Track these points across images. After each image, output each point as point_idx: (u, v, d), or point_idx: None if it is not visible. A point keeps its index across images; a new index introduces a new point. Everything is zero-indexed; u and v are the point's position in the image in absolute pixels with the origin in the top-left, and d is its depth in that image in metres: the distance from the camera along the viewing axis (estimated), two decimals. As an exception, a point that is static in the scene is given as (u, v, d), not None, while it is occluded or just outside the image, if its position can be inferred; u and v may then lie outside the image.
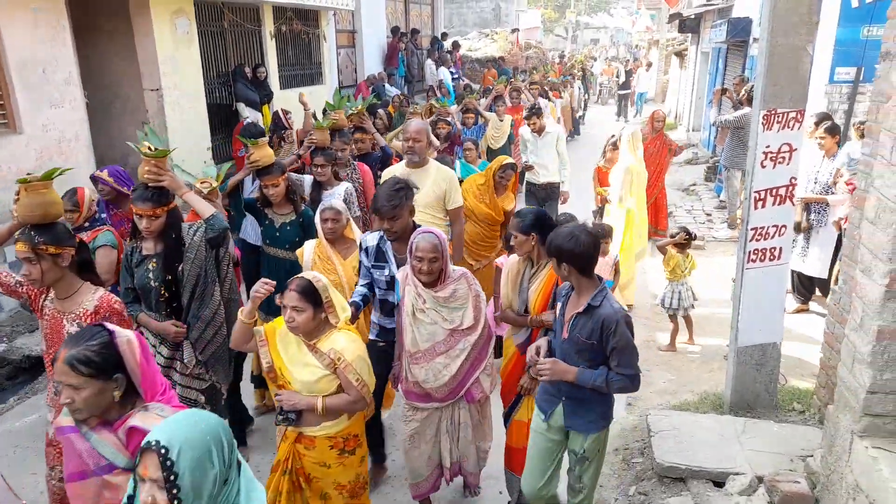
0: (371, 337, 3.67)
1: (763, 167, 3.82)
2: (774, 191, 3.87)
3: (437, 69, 15.48)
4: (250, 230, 4.74)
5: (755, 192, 3.87)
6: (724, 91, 9.28)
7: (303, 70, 12.11)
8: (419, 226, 3.46)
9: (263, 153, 4.28)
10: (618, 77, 23.48)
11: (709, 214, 9.73)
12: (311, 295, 2.71)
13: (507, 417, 3.55)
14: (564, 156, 7.06)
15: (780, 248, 3.97)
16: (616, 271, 5.39)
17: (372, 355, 3.01)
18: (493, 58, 18.21)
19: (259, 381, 4.57)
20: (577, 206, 8.06)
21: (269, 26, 10.67)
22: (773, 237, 3.95)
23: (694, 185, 11.50)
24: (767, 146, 3.79)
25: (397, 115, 9.08)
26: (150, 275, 3.29)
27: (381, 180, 4.68)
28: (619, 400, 3.76)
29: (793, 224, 4.10)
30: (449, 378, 3.16)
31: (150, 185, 3.21)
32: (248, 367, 4.45)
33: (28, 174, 3.04)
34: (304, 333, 2.76)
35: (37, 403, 4.77)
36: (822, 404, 3.91)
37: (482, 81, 15.54)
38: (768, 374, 4.13)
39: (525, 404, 3.41)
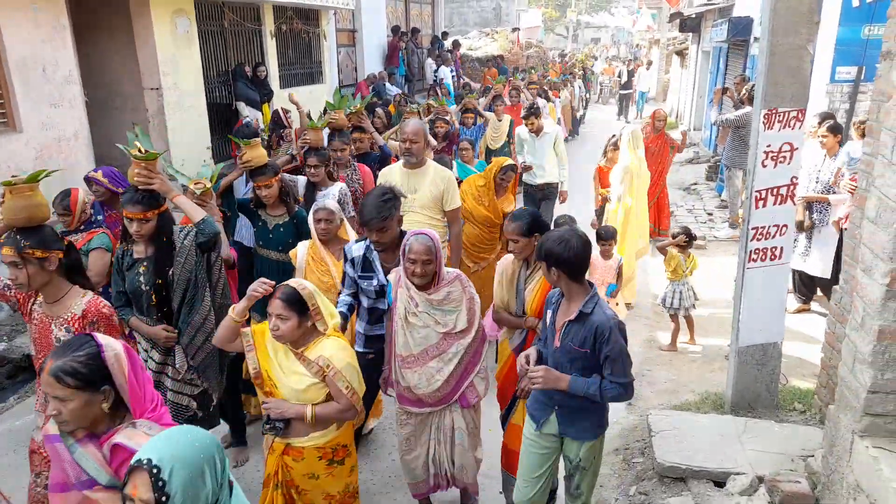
0: (357, 349, 3.56)
1: (764, 166, 3.81)
2: (775, 190, 3.86)
3: (437, 68, 15.47)
4: (245, 232, 4.67)
5: (756, 191, 3.86)
6: (724, 90, 9.27)
7: (303, 69, 12.11)
8: (405, 232, 3.38)
9: (256, 154, 4.23)
10: (619, 77, 23.45)
11: (710, 214, 9.73)
12: (296, 303, 2.64)
13: (505, 419, 3.52)
14: (563, 156, 7.03)
15: (782, 248, 3.96)
16: (619, 274, 5.37)
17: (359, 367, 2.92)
18: (492, 56, 18.20)
19: (247, 387, 4.50)
20: (578, 206, 8.08)
21: (269, 25, 10.67)
22: (774, 237, 3.94)
23: (695, 184, 11.49)
24: (768, 145, 3.78)
25: (396, 115, 9.07)
26: (141, 278, 3.24)
27: (379, 180, 4.66)
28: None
29: (794, 224, 4.09)
30: (442, 383, 3.11)
31: (140, 188, 3.16)
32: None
33: (13, 176, 2.97)
34: (291, 341, 2.69)
35: (37, 403, 4.77)
36: (823, 404, 3.90)
37: (482, 80, 15.53)
38: (769, 373, 4.12)
39: (522, 407, 3.36)
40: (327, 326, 2.74)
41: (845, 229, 4.49)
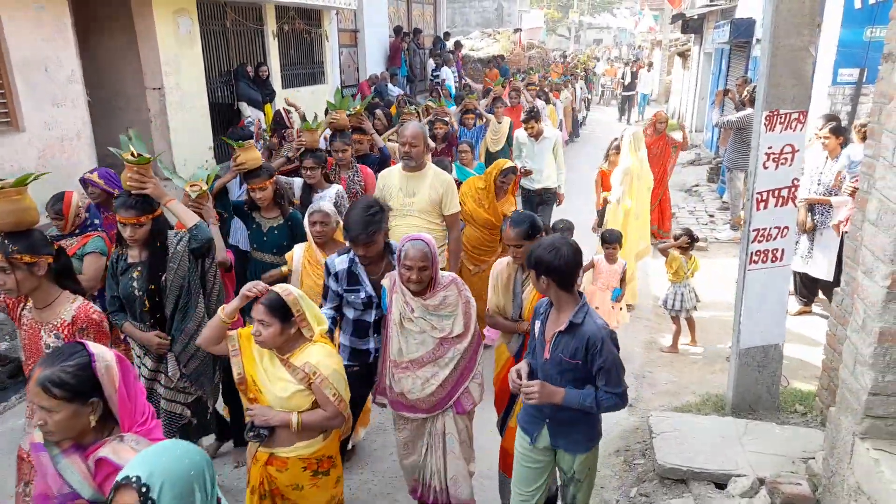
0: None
1: (765, 168, 3.81)
2: (776, 192, 3.86)
3: (435, 67, 15.48)
4: (240, 235, 4.62)
5: (757, 193, 3.86)
6: (726, 92, 9.27)
7: (305, 69, 12.12)
8: (390, 243, 3.32)
9: (250, 156, 4.19)
10: (623, 78, 23.44)
11: (711, 216, 9.72)
12: (279, 309, 2.57)
13: (503, 424, 3.46)
14: (561, 161, 6.97)
15: (783, 250, 3.96)
16: (623, 279, 5.35)
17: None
18: (493, 57, 18.20)
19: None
20: (579, 208, 8.08)
21: (271, 25, 10.68)
22: (775, 238, 3.94)
23: (697, 186, 11.49)
24: (770, 147, 3.78)
25: (397, 115, 9.05)
26: (134, 283, 3.18)
27: (378, 182, 4.62)
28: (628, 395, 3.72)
29: (795, 225, 4.09)
30: (436, 388, 3.06)
31: (133, 192, 3.10)
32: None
33: (1, 180, 2.89)
34: (275, 348, 2.63)
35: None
36: (823, 406, 3.90)
37: (483, 82, 15.52)
38: (770, 375, 4.12)
39: (519, 409, 3.34)
40: (314, 333, 2.68)
41: (846, 233, 4.48)
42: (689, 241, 5.55)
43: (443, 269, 4.11)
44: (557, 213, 6.67)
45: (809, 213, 5.81)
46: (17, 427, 4.52)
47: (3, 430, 4.53)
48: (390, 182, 4.50)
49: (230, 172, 4.36)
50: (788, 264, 4.06)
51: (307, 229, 3.86)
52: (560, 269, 2.62)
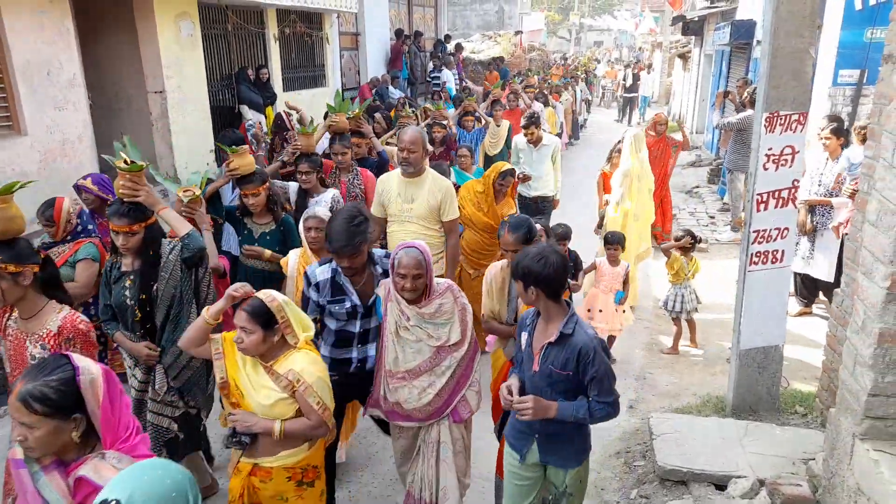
0: None
1: (765, 169, 3.82)
2: (777, 193, 3.87)
3: (433, 69, 15.50)
4: (233, 241, 4.60)
5: (757, 194, 3.86)
6: (726, 94, 9.29)
7: (306, 72, 12.13)
8: (372, 253, 3.24)
9: (243, 161, 4.14)
10: (624, 80, 23.45)
11: (712, 217, 9.73)
12: (262, 316, 2.50)
13: (500, 430, 3.36)
14: (559, 168, 6.93)
15: (783, 251, 3.97)
16: (626, 282, 5.34)
17: None
18: (493, 59, 18.22)
19: None
20: (578, 209, 8.08)
21: (272, 29, 10.70)
22: (775, 240, 3.94)
23: (697, 187, 11.50)
24: (770, 149, 3.78)
25: (397, 118, 9.04)
26: (126, 292, 3.12)
27: (377, 187, 4.58)
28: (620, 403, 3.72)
29: (795, 227, 4.09)
30: (433, 397, 3.01)
31: (126, 200, 3.06)
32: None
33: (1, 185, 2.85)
34: (258, 355, 2.57)
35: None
36: (824, 407, 3.90)
37: (483, 84, 15.52)
38: (770, 376, 4.12)
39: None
40: (298, 340, 2.61)
41: (846, 234, 4.48)
42: (691, 242, 5.55)
43: (441, 275, 4.11)
44: (556, 216, 6.66)
45: (810, 215, 5.81)
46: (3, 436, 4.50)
47: (3, 435, 4.52)
48: (389, 187, 4.47)
49: (223, 177, 4.31)
50: (789, 265, 4.07)
51: (302, 235, 3.82)
52: (549, 279, 2.55)
